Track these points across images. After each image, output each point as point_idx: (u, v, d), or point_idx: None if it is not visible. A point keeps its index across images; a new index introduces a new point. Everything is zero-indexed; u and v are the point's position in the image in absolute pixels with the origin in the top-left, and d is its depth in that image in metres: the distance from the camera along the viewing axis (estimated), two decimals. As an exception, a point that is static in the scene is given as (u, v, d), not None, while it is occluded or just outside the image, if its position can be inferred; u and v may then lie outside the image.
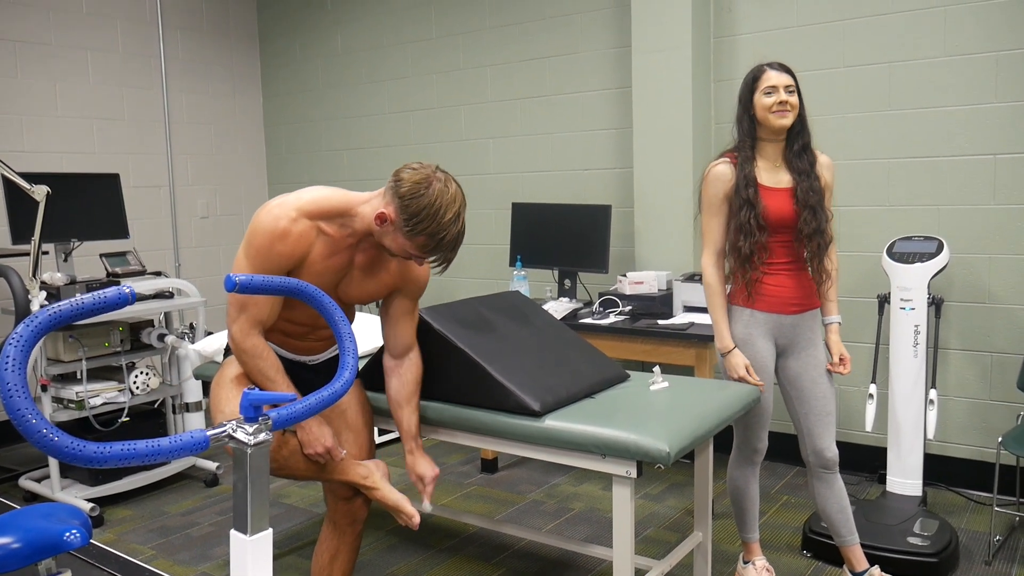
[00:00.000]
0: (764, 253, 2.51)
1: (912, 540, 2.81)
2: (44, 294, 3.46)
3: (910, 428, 3.13)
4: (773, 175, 2.52)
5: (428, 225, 1.95)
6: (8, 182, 3.53)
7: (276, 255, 1.99)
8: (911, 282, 3.10)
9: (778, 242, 2.52)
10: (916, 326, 3.10)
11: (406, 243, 2.00)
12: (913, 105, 3.50)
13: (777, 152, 2.53)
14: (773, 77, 2.46)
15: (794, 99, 2.45)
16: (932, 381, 3.21)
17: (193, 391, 3.93)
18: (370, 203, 2.05)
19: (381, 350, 2.35)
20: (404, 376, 2.27)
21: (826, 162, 2.58)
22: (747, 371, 2.52)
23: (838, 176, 3.57)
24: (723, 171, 2.54)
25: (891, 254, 3.20)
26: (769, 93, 2.45)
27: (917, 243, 3.20)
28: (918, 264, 3.10)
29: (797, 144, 2.50)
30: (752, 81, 2.49)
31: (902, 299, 3.12)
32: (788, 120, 2.45)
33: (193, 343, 3.66)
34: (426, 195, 1.94)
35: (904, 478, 3.15)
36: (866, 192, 3.64)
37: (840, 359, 2.62)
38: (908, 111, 3.52)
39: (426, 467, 2.27)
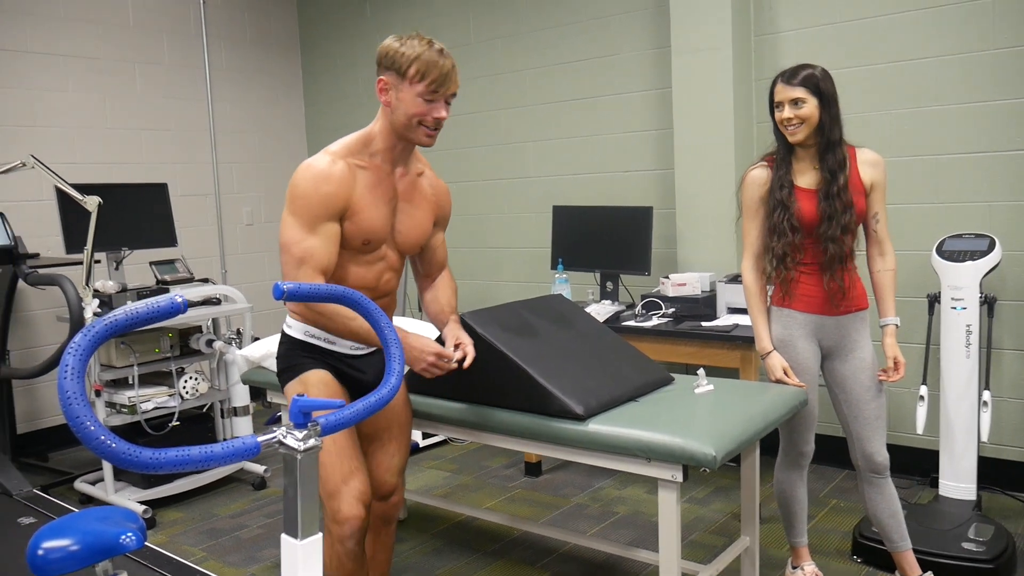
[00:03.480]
0: (798, 253, 2.49)
1: (967, 546, 2.75)
2: (97, 302, 3.54)
3: (963, 430, 3.06)
4: (808, 176, 2.49)
5: (415, 57, 2.00)
6: (61, 193, 3.63)
7: (324, 196, 2.01)
8: (962, 281, 3.04)
9: (815, 243, 2.48)
10: (968, 326, 3.03)
11: (411, 93, 2.02)
12: (962, 100, 3.43)
13: (811, 154, 2.48)
14: (780, 91, 2.43)
15: (804, 111, 2.38)
16: (986, 382, 3.13)
17: (241, 395, 3.99)
18: (379, 116, 2.11)
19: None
20: (439, 288, 2.37)
21: (871, 159, 2.51)
22: (785, 373, 2.49)
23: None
24: (759, 175, 2.53)
25: (941, 252, 3.14)
26: (779, 107, 2.44)
27: (968, 241, 3.13)
28: (969, 262, 3.04)
29: (821, 145, 2.44)
30: (770, 92, 2.48)
31: (953, 298, 3.06)
32: (799, 135, 2.41)
33: (240, 348, 3.72)
34: (396, 41, 2.04)
35: (957, 482, 3.08)
36: (914, 189, 3.57)
37: (894, 364, 2.53)
38: (957, 106, 3.44)
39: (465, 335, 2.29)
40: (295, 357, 2.21)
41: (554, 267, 4.12)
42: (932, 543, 2.77)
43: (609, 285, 4.03)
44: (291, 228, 2.02)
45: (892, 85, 3.58)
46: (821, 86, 2.39)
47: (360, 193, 2.06)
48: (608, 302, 3.94)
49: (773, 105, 2.47)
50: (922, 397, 3.22)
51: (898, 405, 3.68)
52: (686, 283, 3.68)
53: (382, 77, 2.05)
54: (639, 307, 3.74)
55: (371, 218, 2.09)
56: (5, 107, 4.44)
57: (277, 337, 3.01)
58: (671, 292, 3.68)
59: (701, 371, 2.47)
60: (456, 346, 2.21)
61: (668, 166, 4.19)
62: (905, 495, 3.40)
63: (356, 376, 2.28)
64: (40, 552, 1.53)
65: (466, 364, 2.18)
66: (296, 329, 2.22)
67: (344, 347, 2.24)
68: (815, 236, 2.46)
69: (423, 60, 2.01)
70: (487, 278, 5.05)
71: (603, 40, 4.40)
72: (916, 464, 3.63)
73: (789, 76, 2.42)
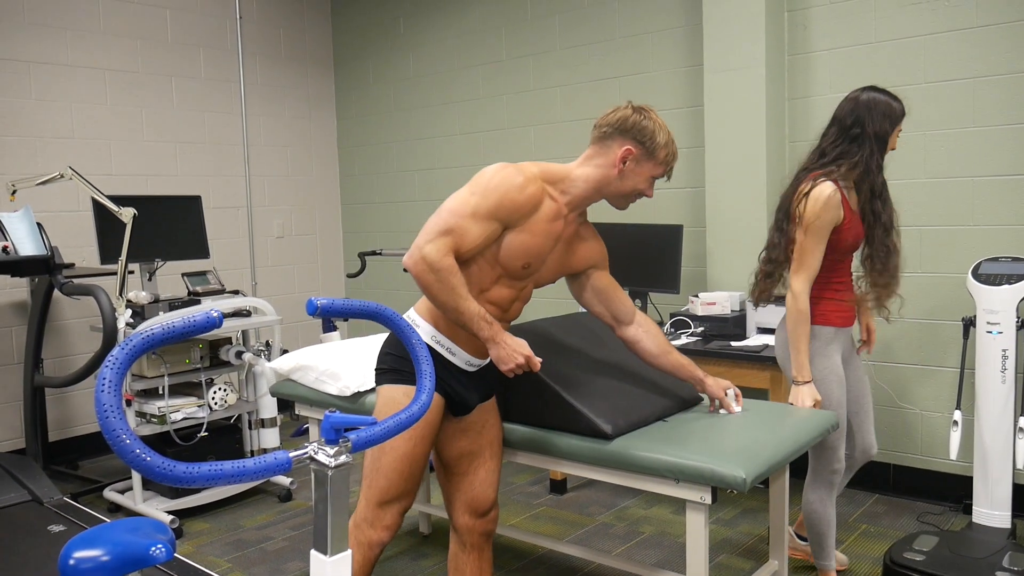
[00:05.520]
0: (843, 273, 2.66)
1: (1001, 575, 2.69)
2: (129, 312, 3.59)
3: (998, 457, 3.01)
4: (853, 199, 2.59)
5: (666, 143, 2.14)
6: (98, 205, 3.69)
7: (509, 199, 2.04)
8: (998, 305, 2.99)
9: (849, 261, 2.65)
10: (1004, 350, 2.98)
11: (648, 169, 2.15)
12: (999, 121, 3.38)
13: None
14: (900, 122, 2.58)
15: None
16: (1022, 408, 3.08)
17: (269, 407, 4.02)
18: (587, 165, 2.18)
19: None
20: (651, 330, 2.37)
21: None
22: (815, 406, 2.55)
23: (920, 194, 3.51)
24: (837, 197, 2.49)
25: (977, 275, 3.09)
26: (898, 133, 2.58)
27: (1005, 264, 3.08)
28: (1006, 286, 2.99)
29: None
30: (900, 116, 2.54)
31: (989, 322, 3.01)
32: None
33: (269, 360, 3.75)
34: (644, 118, 2.13)
35: (992, 509, 3.02)
36: (949, 211, 3.53)
37: (867, 331, 2.87)
38: (994, 127, 3.40)
39: (723, 382, 2.42)
40: (411, 363, 2.11)
41: (582, 284, 4.11)
42: (965, 571, 2.71)
43: (638, 303, 4.01)
44: (462, 203, 2.03)
45: (928, 106, 3.54)
46: None
47: (537, 219, 2.09)
48: (636, 320, 3.92)
49: (894, 128, 2.53)
50: (956, 422, 3.17)
51: (931, 430, 3.62)
52: (715, 302, 3.66)
53: (630, 147, 2.12)
54: (668, 326, 3.72)
55: (537, 245, 2.11)
56: (45, 119, 4.53)
57: (306, 350, 3.05)
58: (700, 311, 3.66)
59: (730, 391, 2.45)
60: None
61: (699, 184, 4.17)
62: (937, 521, 3.34)
63: (462, 394, 2.22)
64: (71, 562, 1.55)
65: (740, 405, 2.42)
66: (424, 331, 2.17)
67: (460, 361, 2.20)
68: (864, 250, 2.63)
69: (672, 150, 2.16)
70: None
71: (635, 58, 4.40)
72: (948, 490, 3.56)
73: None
